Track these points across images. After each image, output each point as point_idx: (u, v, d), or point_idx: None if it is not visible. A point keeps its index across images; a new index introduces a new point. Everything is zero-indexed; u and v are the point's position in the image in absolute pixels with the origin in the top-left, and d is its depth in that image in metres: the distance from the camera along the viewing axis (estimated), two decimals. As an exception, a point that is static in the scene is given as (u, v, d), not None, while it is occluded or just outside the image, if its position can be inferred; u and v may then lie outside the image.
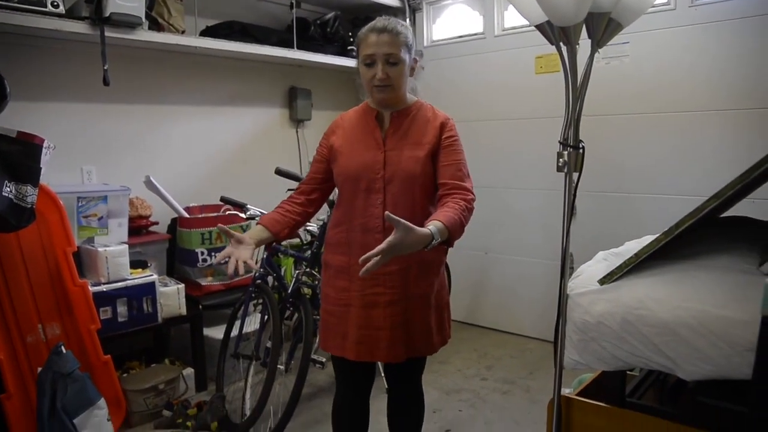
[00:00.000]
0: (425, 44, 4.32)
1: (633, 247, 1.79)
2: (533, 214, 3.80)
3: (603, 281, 1.46)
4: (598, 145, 3.43)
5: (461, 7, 4.15)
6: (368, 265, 1.42)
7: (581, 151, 1.48)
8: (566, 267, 1.52)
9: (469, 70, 4.04)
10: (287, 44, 3.66)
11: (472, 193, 1.75)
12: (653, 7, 3.11)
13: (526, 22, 1.65)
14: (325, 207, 2.91)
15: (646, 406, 1.49)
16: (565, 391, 2.38)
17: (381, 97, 1.78)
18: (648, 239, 1.88)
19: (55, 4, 2.58)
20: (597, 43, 1.47)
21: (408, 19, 4.26)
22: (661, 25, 3.18)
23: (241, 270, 1.63)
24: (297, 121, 4.13)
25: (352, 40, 4.06)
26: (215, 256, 3.20)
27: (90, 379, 2.32)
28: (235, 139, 3.83)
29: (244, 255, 1.66)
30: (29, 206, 2.26)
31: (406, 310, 1.81)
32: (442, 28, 4.29)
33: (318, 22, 3.88)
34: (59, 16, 2.62)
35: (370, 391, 2.02)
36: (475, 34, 4.04)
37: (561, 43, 1.48)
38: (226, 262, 1.65)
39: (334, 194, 2.02)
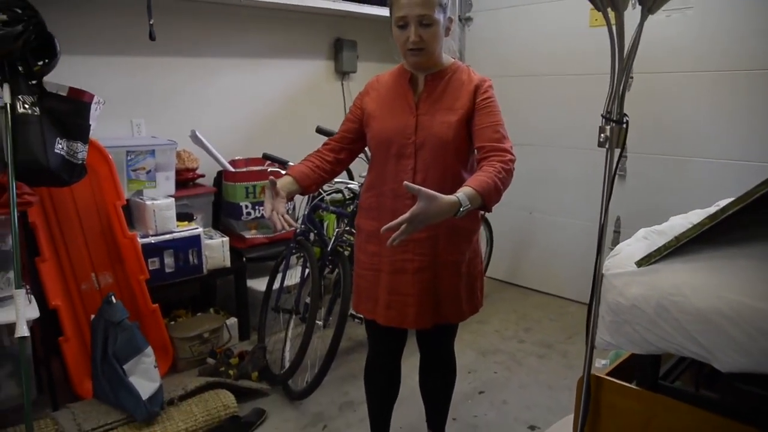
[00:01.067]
0: (477, -6, 4.15)
1: (677, 223, 1.72)
2: (581, 174, 3.69)
3: (640, 263, 1.41)
4: (652, 104, 3.27)
5: (515, -47, 3.95)
6: (395, 234, 1.41)
7: (625, 125, 1.41)
8: (603, 245, 1.47)
9: (520, 21, 3.88)
10: (333, -5, 3.59)
11: (511, 154, 1.68)
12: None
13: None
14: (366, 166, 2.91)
15: (678, 390, 1.46)
16: (601, 363, 2.37)
17: (415, 60, 1.73)
18: (695, 214, 1.81)
19: (101, -42, 2.58)
20: (648, 10, 1.37)
21: (459, -33, 4.09)
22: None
23: (286, 226, 1.67)
24: (342, 74, 4.08)
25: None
26: (259, 210, 3.26)
27: (138, 328, 2.44)
28: (279, 91, 3.82)
29: (281, 209, 1.69)
30: (80, 162, 2.33)
31: (434, 278, 1.81)
32: (495, -23, 4.10)
33: (364, -29, 3.76)
34: (105, -30, 2.63)
35: (402, 353, 2.06)
36: (529, -16, 3.86)
37: (608, 9, 1.39)
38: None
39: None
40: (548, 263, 3.98)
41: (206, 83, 3.46)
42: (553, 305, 3.80)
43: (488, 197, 1.55)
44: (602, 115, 1.40)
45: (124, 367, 2.34)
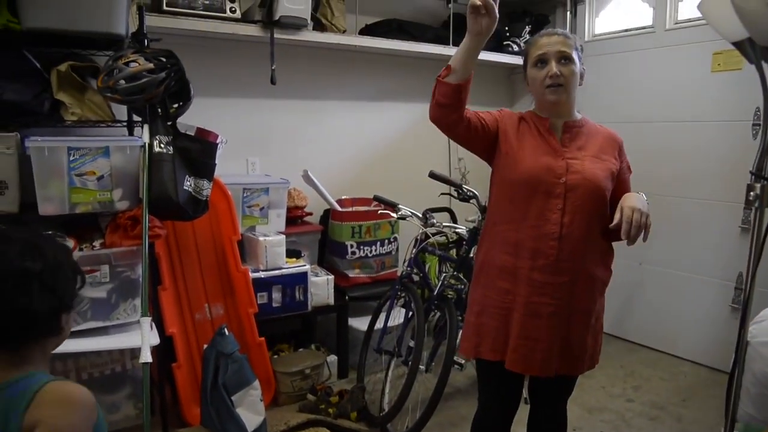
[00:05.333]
0: (587, 39, 4.08)
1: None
2: (698, 226, 3.48)
3: (793, 333, 1.30)
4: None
5: (629, -2, 3.87)
6: (634, 230, 1.61)
7: (777, 184, 1.31)
8: (748, 312, 1.37)
9: (634, 66, 3.77)
10: (443, 41, 3.64)
11: None
12: None
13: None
14: (476, 211, 2.88)
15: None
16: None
17: (553, 99, 1.72)
18: None
19: (233, 9, 2.78)
20: (806, 62, 1.29)
21: (569, 12, 4.06)
22: None
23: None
24: (448, 117, 4.10)
25: (508, 35, 3.95)
26: (364, 249, 3.31)
27: (247, 361, 2.50)
28: (387, 133, 3.90)
29: None
30: (204, 199, 2.47)
31: (566, 324, 1.74)
32: (606, 21, 4.02)
33: (475, 17, 3.81)
34: (235, 20, 2.82)
35: (516, 411, 1.94)
36: (644, 28, 3.74)
37: (762, 62, 1.32)
38: None
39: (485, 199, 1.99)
40: (659, 318, 3.75)
41: (317, 124, 3.59)
42: (663, 363, 3.56)
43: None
44: (751, 172, 1.32)
45: (233, 398, 2.40)
